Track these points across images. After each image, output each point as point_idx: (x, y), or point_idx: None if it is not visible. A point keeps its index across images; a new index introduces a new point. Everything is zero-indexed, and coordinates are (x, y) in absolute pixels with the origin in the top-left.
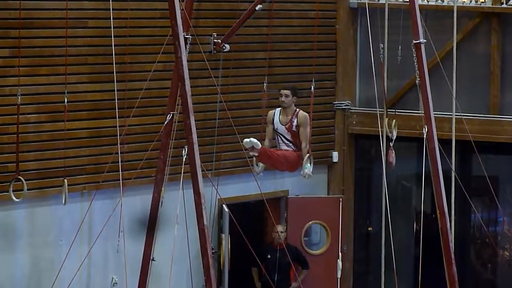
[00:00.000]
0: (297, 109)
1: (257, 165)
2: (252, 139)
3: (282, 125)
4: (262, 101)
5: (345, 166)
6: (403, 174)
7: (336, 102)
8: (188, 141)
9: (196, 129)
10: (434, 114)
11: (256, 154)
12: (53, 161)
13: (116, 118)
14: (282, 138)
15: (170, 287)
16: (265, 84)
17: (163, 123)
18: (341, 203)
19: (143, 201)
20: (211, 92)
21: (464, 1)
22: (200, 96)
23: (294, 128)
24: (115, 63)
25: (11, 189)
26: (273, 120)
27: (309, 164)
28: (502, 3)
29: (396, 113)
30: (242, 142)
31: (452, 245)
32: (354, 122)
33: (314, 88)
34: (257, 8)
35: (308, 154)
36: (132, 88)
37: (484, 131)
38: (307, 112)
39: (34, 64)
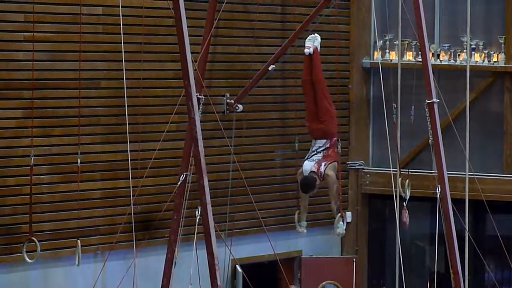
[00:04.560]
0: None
1: (299, 224)
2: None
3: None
4: (275, 161)
5: (358, 226)
6: (417, 233)
7: (349, 162)
8: (202, 202)
9: (210, 189)
10: (448, 173)
11: None
12: (67, 222)
13: (129, 178)
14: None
15: None
16: (296, 144)
17: (177, 183)
18: (354, 263)
19: (157, 261)
20: (225, 152)
21: (477, 61)
22: (213, 156)
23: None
24: (128, 124)
25: (25, 250)
26: None
27: (341, 223)
28: None
29: (410, 173)
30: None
31: None
32: (368, 182)
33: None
34: (270, 69)
35: (339, 214)
36: (145, 148)
37: (498, 190)
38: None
39: (47, 125)
